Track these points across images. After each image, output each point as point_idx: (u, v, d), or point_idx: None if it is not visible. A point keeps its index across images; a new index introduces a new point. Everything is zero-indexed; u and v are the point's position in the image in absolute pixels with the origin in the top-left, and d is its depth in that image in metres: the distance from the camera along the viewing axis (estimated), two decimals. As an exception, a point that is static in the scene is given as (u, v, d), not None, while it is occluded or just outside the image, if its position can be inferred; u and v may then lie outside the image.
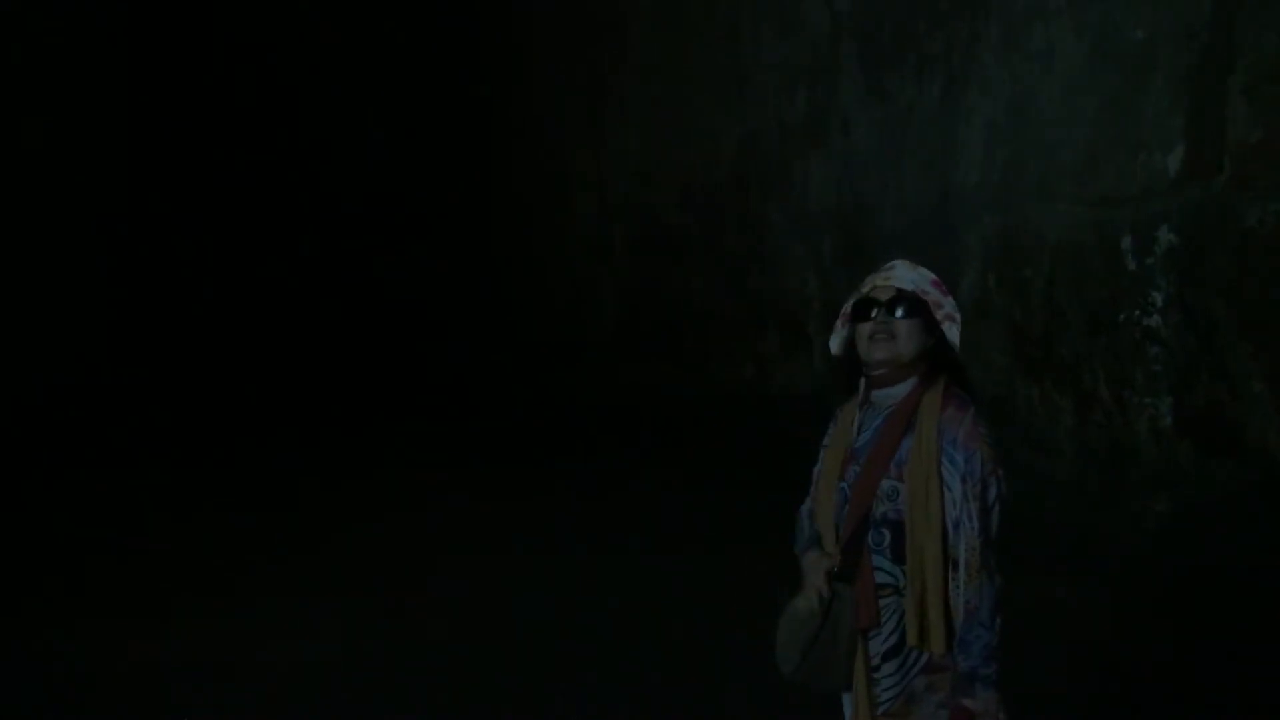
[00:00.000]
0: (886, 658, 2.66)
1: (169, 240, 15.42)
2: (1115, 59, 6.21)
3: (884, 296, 2.72)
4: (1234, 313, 5.49)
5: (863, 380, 2.78)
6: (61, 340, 12.34)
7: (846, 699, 2.77)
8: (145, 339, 14.26)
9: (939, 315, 2.72)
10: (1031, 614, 5.02)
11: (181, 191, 15.84)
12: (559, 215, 14.63)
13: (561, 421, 11.66)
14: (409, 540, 7.42)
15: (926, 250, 7.33)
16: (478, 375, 14.61)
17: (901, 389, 2.71)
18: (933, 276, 2.78)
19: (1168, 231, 5.86)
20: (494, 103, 16.25)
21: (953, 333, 2.72)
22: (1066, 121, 6.58)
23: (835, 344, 2.85)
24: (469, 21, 16.62)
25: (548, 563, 6.84)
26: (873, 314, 2.71)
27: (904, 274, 2.76)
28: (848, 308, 2.79)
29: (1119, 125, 6.18)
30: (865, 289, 2.77)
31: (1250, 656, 4.70)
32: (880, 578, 2.66)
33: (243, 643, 5.56)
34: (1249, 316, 5.42)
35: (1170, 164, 5.84)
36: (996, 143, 7.24)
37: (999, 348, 7.10)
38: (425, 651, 5.41)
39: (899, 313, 2.69)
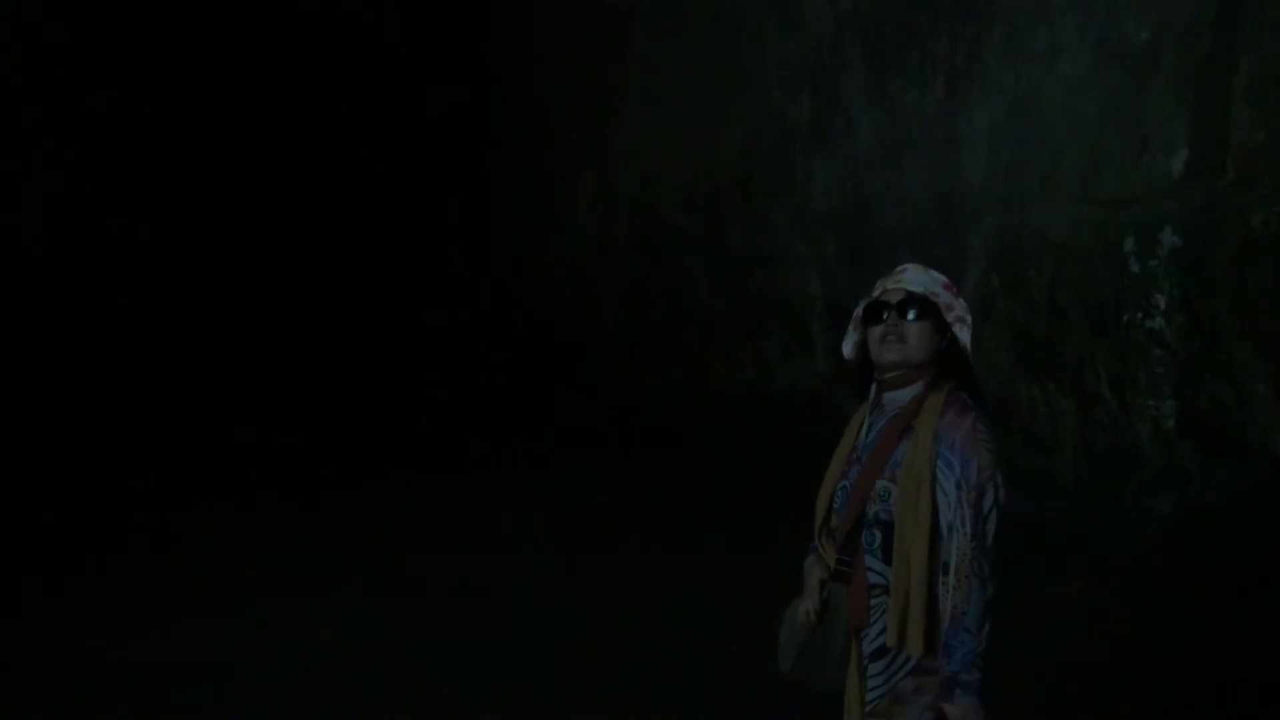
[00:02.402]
0: (874, 658, 2.68)
1: (173, 245, 15.42)
2: (1118, 60, 6.20)
3: (894, 299, 2.73)
4: (1237, 314, 5.49)
5: (874, 384, 2.80)
6: (63, 341, 12.34)
7: None
8: (147, 340, 14.26)
9: (949, 318, 2.73)
10: (1033, 614, 5.02)
11: (184, 195, 15.84)
12: (561, 215, 14.63)
13: (562, 421, 11.65)
14: (408, 540, 7.42)
15: (929, 250, 7.33)
16: (478, 375, 14.60)
17: (908, 392, 2.72)
18: (943, 279, 2.80)
19: (1171, 233, 5.85)
20: (497, 102, 16.25)
21: (963, 335, 2.73)
22: (1070, 122, 6.57)
23: (848, 348, 2.87)
24: (472, 22, 16.61)
25: (547, 562, 6.84)
26: (884, 317, 2.73)
27: (914, 277, 2.77)
28: (859, 312, 2.81)
29: (1122, 126, 6.17)
30: (876, 292, 2.78)
31: (1252, 656, 4.69)
32: (872, 578, 2.67)
33: (243, 643, 5.54)
34: (1252, 318, 5.41)
35: (1174, 165, 5.83)
36: (1000, 143, 7.23)
37: (1001, 348, 7.09)
38: (425, 651, 5.41)
39: (909, 315, 2.70)
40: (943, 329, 2.73)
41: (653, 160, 12.43)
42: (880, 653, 2.66)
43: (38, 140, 12.05)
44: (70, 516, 8.16)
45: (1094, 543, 6.01)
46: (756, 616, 3.56)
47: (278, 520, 7.97)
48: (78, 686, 5.05)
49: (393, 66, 17.14)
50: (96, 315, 13.29)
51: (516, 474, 9.33)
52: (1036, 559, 5.50)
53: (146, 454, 10.39)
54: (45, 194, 12.18)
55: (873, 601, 2.66)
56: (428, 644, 5.49)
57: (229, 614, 5.99)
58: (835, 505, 2.77)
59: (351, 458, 10.22)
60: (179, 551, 7.21)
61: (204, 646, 5.50)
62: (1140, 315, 6.01)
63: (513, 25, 15.85)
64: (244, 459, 10.18)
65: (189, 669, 5.21)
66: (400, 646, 5.47)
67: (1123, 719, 4.51)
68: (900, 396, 2.73)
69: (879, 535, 2.66)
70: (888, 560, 2.64)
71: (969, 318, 2.75)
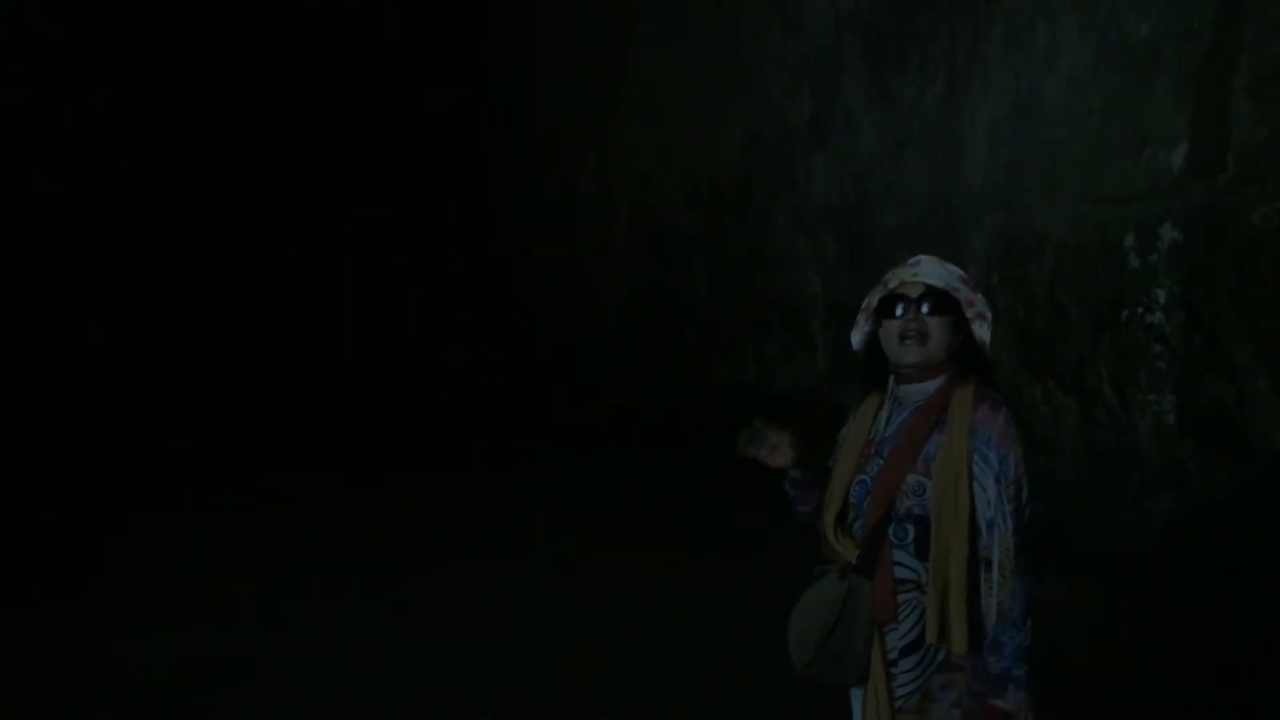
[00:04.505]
0: (905, 653, 2.61)
1: (173, 245, 15.41)
2: (1119, 57, 6.19)
3: (913, 293, 2.64)
4: (1237, 311, 5.47)
5: (891, 376, 2.72)
6: (64, 340, 12.34)
7: (855, 696, 2.72)
8: (148, 340, 14.25)
9: (969, 314, 2.65)
10: (1033, 614, 5.01)
11: (184, 195, 15.83)
12: (561, 215, 14.63)
13: (563, 420, 11.65)
14: (411, 537, 7.42)
15: (930, 249, 7.31)
16: (478, 375, 14.60)
17: (930, 385, 2.65)
18: (960, 273, 2.70)
19: (1171, 230, 5.83)
20: (497, 102, 16.24)
21: (983, 331, 2.66)
22: (1070, 120, 6.56)
23: (857, 339, 2.77)
24: (472, 22, 16.61)
25: (547, 562, 6.83)
26: (898, 311, 2.64)
27: (932, 270, 2.67)
28: (872, 302, 2.71)
29: (1123, 123, 6.16)
30: (892, 284, 2.67)
31: (1254, 656, 4.68)
32: (901, 573, 2.60)
33: (243, 643, 5.55)
34: (1252, 315, 5.39)
35: (1174, 162, 5.81)
36: (1000, 141, 7.22)
37: (1002, 346, 7.08)
38: (425, 651, 5.40)
39: (927, 309, 2.62)
40: (960, 324, 2.65)
41: (653, 160, 12.43)
42: (912, 648, 2.60)
43: (38, 140, 12.04)
44: (70, 516, 8.17)
45: (1094, 542, 6.00)
46: (756, 616, 3.56)
47: (278, 520, 7.97)
48: (78, 686, 5.05)
49: (393, 66, 17.15)
50: (97, 315, 13.29)
51: (516, 474, 9.33)
52: (1036, 558, 5.48)
53: (147, 454, 10.39)
54: (45, 194, 12.18)
55: (902, 597, 2.59)
56: (428, 644, 5.49)
57: (230, 614, 5.99)
58: (852, 499, 2.68)
59: (351, 458, 10.22)
60: (179, 551, 7.21)
61: (204, 646, 5.50)
62: (1141, 312, 6.00)
63: (513, 25, 15.85)
64: (244, 459, 10.18)
65: (189, 669, 5.21)
66: (401, 647, 5.46)
67: (1123, 719, 4.50)
68: (921, 389, 2.66)
69: (912, 530, 2.58)
70: (919, 555, 2.58)
71: (989, 314, 2.67)
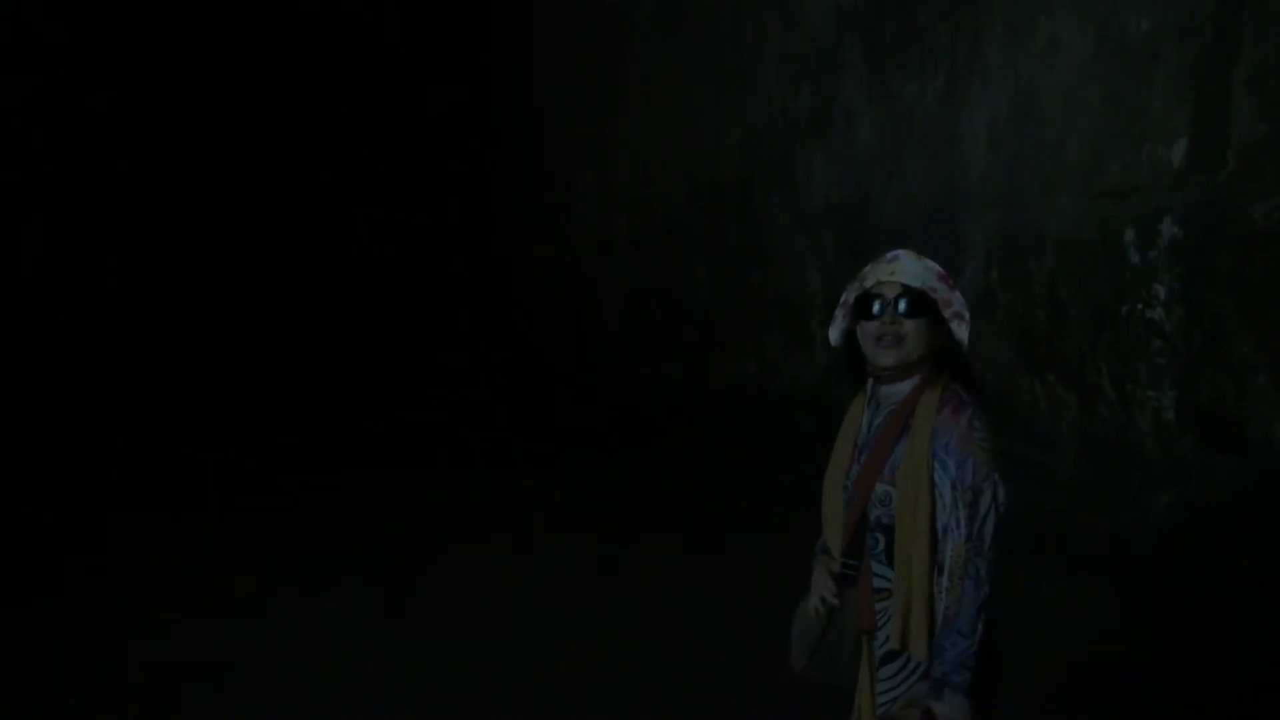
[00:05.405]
0: (885, 661, 2.62)
1: (173, 246, 15.41)
2: (1119, 52, 6.18)
3: (890, 293, 2.59)
4: (1238, 307, 5.46)
5: (870, 378, 2.70)
6: (63, 340, 12.33)
7: None
8: (148, 340, 14.25)
9: (947, 314, 2.60)
10: (1033, 610, 5.01)
11: (184, 195, 15.83)
12: (561, 214, 14.63)
13: (563, 419, 11.65)
14: (410, 537, 7.41)
15: (929, 244, 7.30)
16: (481, 373, 14.59)
17: (905, 386, 2.62)
18: (939, 270, 2.64)
19: (1171, 225, 5.82)
20: (497, 102, 16.24)
21: (961, 331, 2.60)
22: (1070, 115, 6.55)
23: (834, 335, 2.73)
24: (472, 22, 16.60)
25: (548, 562, 6.82)
26: (875, 310, 2.60)
27: (909, 267, 2.61)
28: (849, 298, 2.67)
29: (1123, 118, 6.15)
30: (868, 282, 2.63)
31: (1254, 652, 4.66)
32: (878, 582, 2.61)
33: (243, 642, 5.54)
34: (1252, 310, 5.38)
35: (1174, 157, 5.80)
36: (1000, 136, 7.21)
37: (1002, 342, 7.07)
38: (425, 651, 5.39)
39: (903, 309, 2.57)
40: (938, 323, 2.61)
41: (653, 158, 12.42)
42: (891, 656, 2.60)
43: (38, 141, 12.03)
44: (70, 516, 8.16)
45: (1094, 538, 5.99)
46: (758, 615, 3.55)
47: (277, 520, 7.96)
48: (78, 686, 5.04)
49: (393, 66, 17.14)
50: (97, 314, 13.28)
51: (517, 473, 9.32)
52: (1036, 557, 5.48)
53: (146, 454, 10.39)
54: (45, 194, 12.17)
55: (879, 605, 2.61)
56: (428, 644, 5.48)
57: (229, 613, 5.99)
58: (841, 505, 2.69)
59: (351, 458, 10.22)
60: (179, 551, 7.21)
61: (204, 646, 5.50)
62: (1141, 307, 5.99)
63: (513, 25, 15.84)
64: (244, 459, 10.17)
65: (189, 668, 5.21)
66: (400, 646, 5.46)
67: (1121, 715, 4.49)
68: (897, 391, 2.63)
69: (882, 539, 2.59)
70: (891, 564, 2.58)
71: (967, 314, 2.62)
